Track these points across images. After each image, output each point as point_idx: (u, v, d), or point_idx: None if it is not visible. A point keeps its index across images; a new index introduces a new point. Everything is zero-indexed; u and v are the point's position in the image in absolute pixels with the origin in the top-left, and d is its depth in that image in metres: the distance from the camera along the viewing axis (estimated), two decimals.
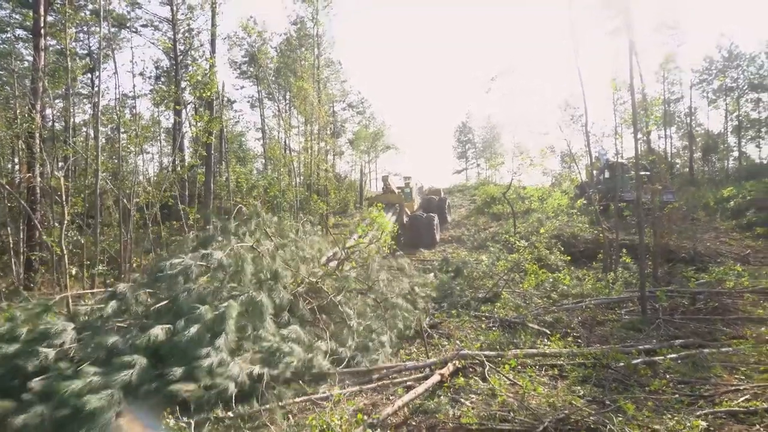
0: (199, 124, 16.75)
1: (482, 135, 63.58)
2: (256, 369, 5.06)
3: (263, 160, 31.70)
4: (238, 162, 29.04)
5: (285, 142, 28.86)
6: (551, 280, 11.20)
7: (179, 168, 18.70)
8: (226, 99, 29.37)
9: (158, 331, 4.92)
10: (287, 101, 33.39)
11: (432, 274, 12.64)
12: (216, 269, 6.20)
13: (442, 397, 5.16)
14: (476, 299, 10.15)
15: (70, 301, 6.40)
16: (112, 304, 5.53)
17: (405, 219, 21.14)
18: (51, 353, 4.72)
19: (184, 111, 22.83)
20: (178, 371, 4.61)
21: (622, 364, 5.99)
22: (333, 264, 8.94)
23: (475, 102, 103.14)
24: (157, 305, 5.54)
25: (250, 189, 23.49)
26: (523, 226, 18.82)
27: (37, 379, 4.45)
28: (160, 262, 6.21)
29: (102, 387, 4.29)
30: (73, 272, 9.75)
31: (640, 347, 6.71)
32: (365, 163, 42.37)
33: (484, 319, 8.82)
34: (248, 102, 40.24)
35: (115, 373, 4.44)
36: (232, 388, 4.71)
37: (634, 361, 6.04)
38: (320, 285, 7.44)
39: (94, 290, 9.18)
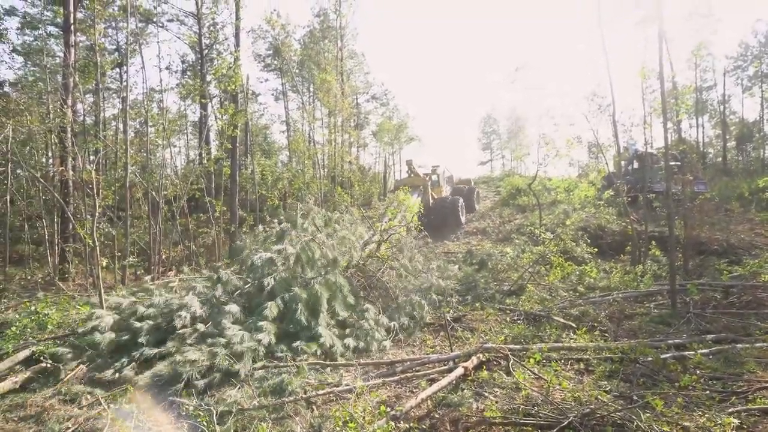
0: (224, 117, 16.95)
1: (507, 126, 62.83)
2: (351, 342, 6.73)
3: (287, 153, 31.92)
4: (262, 154, 29.36)
5: (309, 134, 29.06)
6: (577, 272, 11.02)
7: (205, 161, 19.01)
8: (250, 92, 29.59)
9: (274, 307, 6.72)
10: (311, 93, 33.52)
11: (456, 267, 12.60)
12: (291, 258, 7.84)
13: (465, 390, 5.13)
14: (501, 292, 10.08)
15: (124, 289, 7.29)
16: (219, 285, 7.41)
17: (431, 202, 21.26)
18: (188, 317, 6.52)
19: (209, 104, 23.11)
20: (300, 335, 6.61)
21: (650, 359, 5.83)
22: (371, 246, 10.14)
23: (500, 93, 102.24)
24: (246, 288, 7.47)
25: (275, 181, 23.72)
26: (548, 217, 18.55)
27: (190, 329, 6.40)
28: (249, 255, 8.47)
29: (247, 340, 6.09)
30: (105, 264, 10.01)
31: (670, 342, 6.53)
32: (389, 155, 42.34)
33: (508, 312, 8.75)
34: (272, 95, 40.66)
35: (255, 332, 6.29)
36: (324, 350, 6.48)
37: (664, 356, 5.89)
38: (367, 266, 9.01)
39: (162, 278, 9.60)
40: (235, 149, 17.65)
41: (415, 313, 8.21)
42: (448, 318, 7.96)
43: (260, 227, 10.27)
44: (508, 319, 8.38)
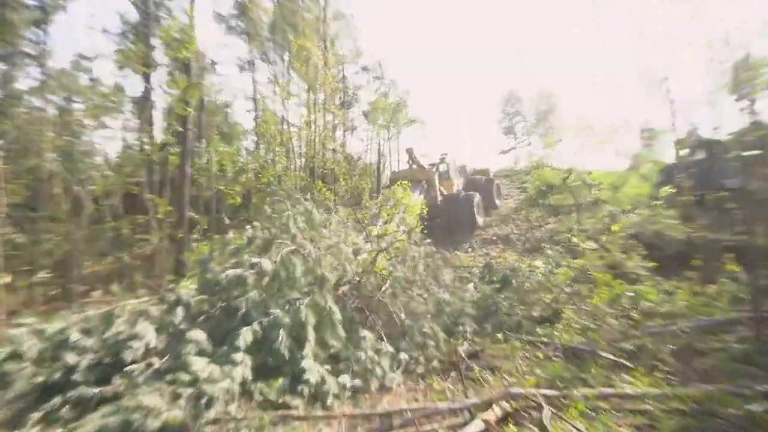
0: (173, 92, 16.69)
1: (535, 106, 63.00)
2: (347, 380, 6.84)
3: (254, 137, 31.70)
4: (222, 139, 29.15)
5: (282, 114, 28.86)
6: (630, 294, 10.83)
7: (147, 147, 18.70)
8: (208, 61, 29.34)
9: (248, 334, 6.74)
10: (285, 63, 33.33)
11: (471, 285, 12.46)
12: (267, 276, 7.98)
13: None
14: (530, 319, 10.00)
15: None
16: (179, 310, 7.41)
17: (439, 198, 21.15)
18: (140, 349, 6.54)
19: (155, 76, 22.84)
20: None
21: (733, 411, 5.66)
22: (364, 256, 10.33)
23: (524, 66, 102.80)
24: (212, 311, 7.50)
25: (237, 173, 23.50)
26: (590, 222, 18.50)
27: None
28: (214, 273, 8.33)
29: (221, 377, 6.09)
30: (7, 280, 9.65)
31: (758, 388, 6.27)
32: (384, 141, 42.19)
33: (540, 345, 8.65)
34: (236, 64, 40.23)
35: (227, 365, 6.28)
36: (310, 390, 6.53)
37: (750, 407, 5.68)
38: (362, 283, 9.30)
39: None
40: (187, 133, 17.36)
41: (429, 342, 8.28)
42: (462, 353, 7.80)
43: (230, 234, 10.21)
44: (540, 355, 8.24)
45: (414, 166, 22.66)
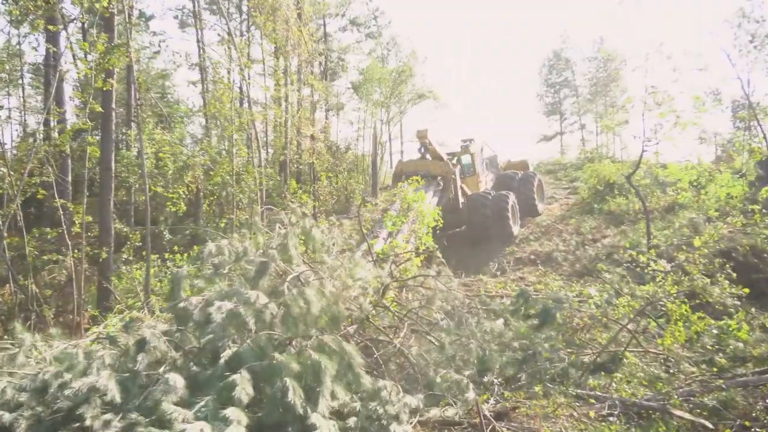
0: (89, 57, 16.84)
1: (589, 73, 62.90)
2: None
3: (203, 120, 31.81)
4: (158, 124, 29.23)
5: (241, 87, 28.95)
6: (715, 331, 10.98)
7: (56, 133, 18.87)
8: (137, 13, 29.54)
9: (246, 385, 6.62)
10: (244, 17, 33.53)
11: (500, 321, 12.49)
12: (270, 314, 8.04)
13: None
14: (579, 366, 9.96)
15: None
16: (142, 356, 7.31)
17: (461, 200, 21.24)
18: (97, 405, 6.53)
19: (64, 35, 23.03)
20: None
21: None
22: (372, 285, 10.73)
23: (576, 19, 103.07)
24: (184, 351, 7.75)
25: (180, 170, 23.58)
26: (663, 234, 18.54)
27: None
28: (189, 302, 8.48)
29: None
30: None
31: None
32: (382, 125, 42.41)
33: (593, 401, 8.68)
34: (176, 18, 40.22)
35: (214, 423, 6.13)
36: None
37: None
38: (370, 320, 9.87)
39: None
40: (110, 114, 17.55)
41: (456, 399, 8.44)
42: (486, 413, 7.89)
43: (210, 246, 10.31)
44: (592, 414, 8.28)
45: (427, 156, 22.59)
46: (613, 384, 9.31)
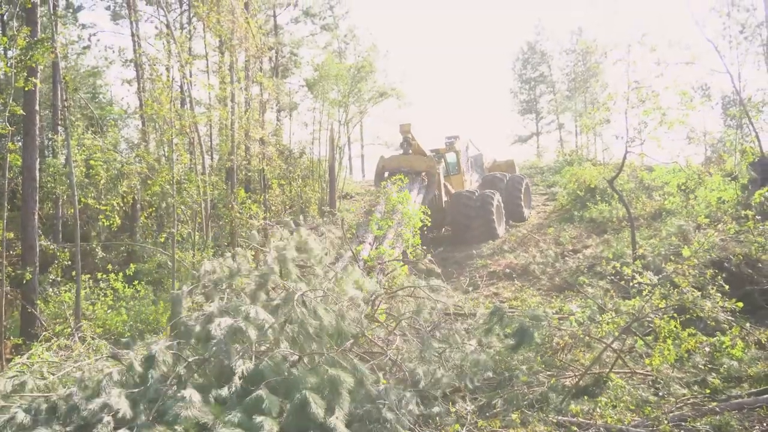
0: (9, 53, 16.64)
1: (567, 67, 63.43)
2: None
3: (139, 124, 31.53)
4: (89, 128, 28.92)
5: (182, 86, 28.75)
6: (707, 348, 11.08)
7: None
8: (63, 4, 29.25)
9: (274, 400, 7.96)
10: (184, 7, 33.37)
11: (474, 341, 12.48)
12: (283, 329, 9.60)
13: None
14: (560, 390, 10.03)
15: None
16: (152, 372, 8.56)
17: (444, 199, 21.52)
18: (110, 423, 7.56)
19: None
20: None
21: None
22: (363, 296, 11.80)
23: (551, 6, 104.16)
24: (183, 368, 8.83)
25: (114, 180, 23.37)
26: (649, 243, 18.69)
27: None
28: (199, 322, 9.71)
29: None
30: None
31: None
32: (340, 126, 42.38)
33: (575, 429, 8.68)
34: (108, 9, 39.87)
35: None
36: None
37: None
38: (367, 334, 10.87)
39: None
40: (34, 117, 17.35)
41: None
42: None
43: (206, 265, 12.02)
44: None
45: (410, 152, 22.96)
46: (598, 409, 9.30)
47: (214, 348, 8.77)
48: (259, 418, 7.43)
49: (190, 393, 7.76)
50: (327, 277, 12.17)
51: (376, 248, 15.78)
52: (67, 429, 7.81)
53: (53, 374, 10.56)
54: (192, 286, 12.26)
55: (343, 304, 10.89)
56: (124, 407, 7.68)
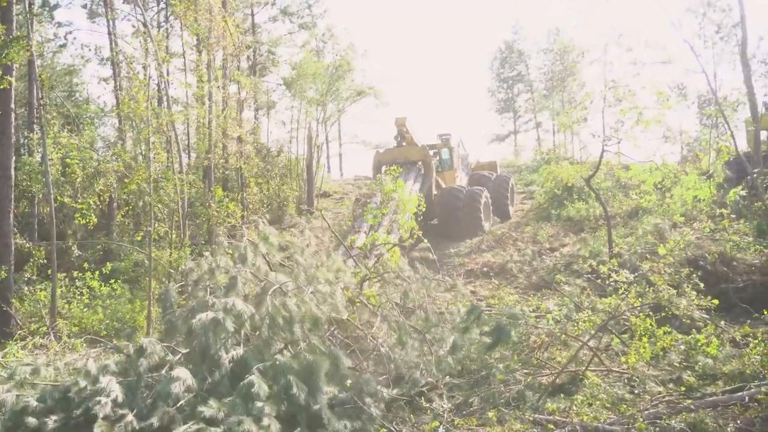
0: None
1: (544, 67, 63.65)
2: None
3: (116, 122, 31.35)
4: (65, 126, 28.73)
5: (159, 84, 28.59)
6: (682, 346, 11.14)
7: None
8: (39, 2, 29.00)
9: (261, 383, 8.42)
10: (162, 6, 33.19)
11: (451, 338, 12.46)
12: (257, 321, 10.21)
13: None
14: (536, 388, 10.03)
15: None
16: (143, 361, 9.14)
17: (434, 192, 21.83)
18: (108, 403, 8.09)
19: None
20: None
21: None
22: (346, 280, 12.52)
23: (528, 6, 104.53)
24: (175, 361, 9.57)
25: (90, 178, 23.23)
26: (626, 241, 18.78)
27: None
28: (182, 317, 10.37)
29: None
30: None
31: None
32: (318, 125, 42.30)
33: (552, 427, 8.67)
34: (84, 7, 39.65)
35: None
36: None
37: None
38: (350, 319, 11.30)
39: None
40: (9, 115, 17.24)
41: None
42: None
43: (190, 264, 12.70)
44: None
45: (404, 144, 23.41)
46: (574, 407, 9.28)
47: (199, 338, 9.27)
48: (259, 404, 7.88)
49: (180, 372, 8.46)
50: (307, 267, 12.61)
51: (371, 236, 16.53)
52: (74, 413, 8.33)
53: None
54: (179, 284, 12.81)
55: (322, 291, 11.36)
56: (115, 390, 8.25)
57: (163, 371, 9.09)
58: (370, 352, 11.01)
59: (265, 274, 11.89)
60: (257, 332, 10.24)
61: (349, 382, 9.45)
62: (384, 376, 10.30)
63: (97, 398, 8.16)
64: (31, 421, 8.25)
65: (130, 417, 7.92)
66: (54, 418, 8.29)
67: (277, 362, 8.94)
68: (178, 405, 8.19)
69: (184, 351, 9.83)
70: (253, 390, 8.17)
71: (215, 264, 11.79)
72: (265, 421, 7.67)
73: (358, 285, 12.16)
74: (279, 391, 8.41)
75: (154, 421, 7.83)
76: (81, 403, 8.45)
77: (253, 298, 10.81)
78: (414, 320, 12.10)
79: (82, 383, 8.82)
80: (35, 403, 8.68)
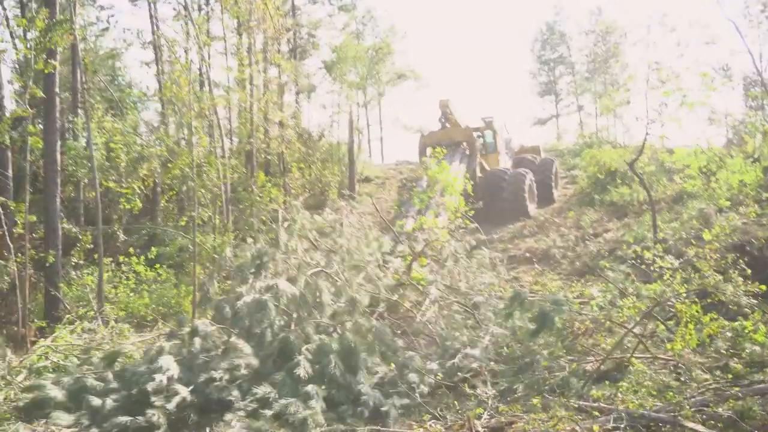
0: (28, 35, 16.64)
1: (586, 48, 62.91)
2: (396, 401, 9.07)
3: (159, 106, 31.55)
4: (109, 110, 28.93)
5: (200, 68, 28.74)
6: (729, 333, 11.02)
7: None
8: None
9: (306, 363, 8.87)
10: None
11: (492, 327, 12.42)
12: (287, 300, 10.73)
13: None
14: (580, 375, 10.00)
15: None
16: (197, 340, 9.78)
17: (478, 174, 21.89)
18: (164, 380, 8.62)
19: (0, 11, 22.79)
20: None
21: None
22: (395, 264, 13.11)
23: None
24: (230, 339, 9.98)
25: (134, 163, 23.39)
26: (670, 226, 18.58)
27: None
28: (230, 301, 10.74)
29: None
30: None
31: None
32: (359, 108, 42.23)
33: (597, 414, 8.63)
34: None
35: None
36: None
37: None
38: (400, 300, 12.05)
39: None
40: (54, 99, 17.37)
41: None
42: (479, 429, 7.90)
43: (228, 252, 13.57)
44: (596, 428, 8.19)
45: (449, 125, 23.56)
46: (619, 394, 9.24)
47: (244, 319, 10.00)
48: (308, 387, 8.34)
49: (242, 344, 9.41)
50: (355, 250, 13.03)
51: (418, 220, 17.01)
52: (132, 391, 8.72)
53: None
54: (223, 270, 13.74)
55: (370, 273, 12.07)
56: (173, 368, 8.81)
57: (219, 351, 9.62)
58: (418, 333, 11.46)
59: (310, 257, 12.44)
60: (302, 313, 10.66)
61: (396, 360, 9.90)
62: (430, 359, 10.55)
63: (154, 375, 8.55)
64: (94, 400, 8.52)
65: (185, 392, 8.39)
66: (114, 397, 8.68)
67: (322, 342, 9.47)
68: (236, 382, 8.77)
69: (234, 331, 10.06)
70: (296, 371, 8.56)
71: (258, 251, 12.07)
72: (312, 403, 8.01)
73: (407, 268, 12.54)
74: (321, 371, 8.83)
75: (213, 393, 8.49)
76: (139, 381, 8.76)
77: (301, 281, 11.21)
78: (462, 303, 12.45)
79: (142, 365, 9.41)
80: (94, 383, 9.18)
